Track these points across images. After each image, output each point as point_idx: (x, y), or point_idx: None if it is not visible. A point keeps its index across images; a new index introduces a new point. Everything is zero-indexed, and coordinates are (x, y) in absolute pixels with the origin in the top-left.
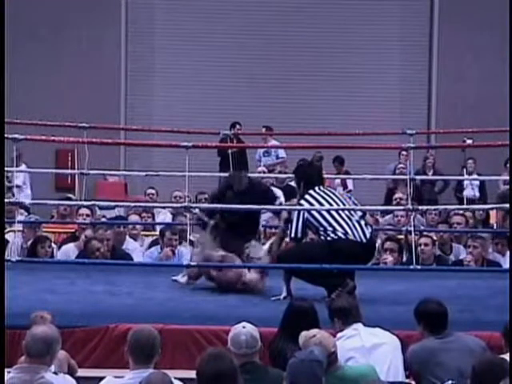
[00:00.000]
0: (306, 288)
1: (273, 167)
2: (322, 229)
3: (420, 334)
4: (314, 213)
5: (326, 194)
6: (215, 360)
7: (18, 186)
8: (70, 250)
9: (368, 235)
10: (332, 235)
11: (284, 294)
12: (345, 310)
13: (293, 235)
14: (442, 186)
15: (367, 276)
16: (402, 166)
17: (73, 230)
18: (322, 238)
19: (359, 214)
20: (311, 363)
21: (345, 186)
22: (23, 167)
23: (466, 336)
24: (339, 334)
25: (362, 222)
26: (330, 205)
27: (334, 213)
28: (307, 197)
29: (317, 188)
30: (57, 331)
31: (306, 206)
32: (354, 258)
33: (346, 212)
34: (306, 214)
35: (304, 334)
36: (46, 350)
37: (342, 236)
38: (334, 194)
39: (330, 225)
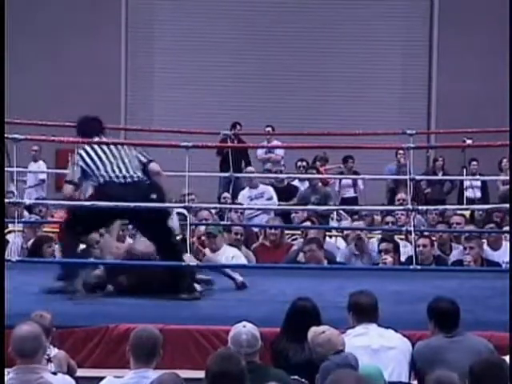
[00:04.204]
0: (307, 288)
1: (266, 160)
2: (93, 173)
3: (430, 332)
4: (87, 160)
5: (104, 145)
6: (223, 360)
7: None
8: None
9: (136, 177)
10: (100, 179)
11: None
12: (359, 306)
13: (69, 178)
14: (450, 187)
15: (367, 276)
16: (404, 169)
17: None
18: (95, 183)
19: (139, 159)
20: (345, 368)
21: (355, 185)
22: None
23: (475, 337)
24: (348, 331)
25: (134, 166)
26: (109, 152)
27: (104, 159)
28: (86, 147)
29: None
30: (37, 326)
31: (84, 154)
32: (120, 199)
33: (124, 159)
34: (81, 162)
35: (313, 330)
36: (37, 346)
37: (107, 179)
38: (113, 145)
39: (98, 169)
